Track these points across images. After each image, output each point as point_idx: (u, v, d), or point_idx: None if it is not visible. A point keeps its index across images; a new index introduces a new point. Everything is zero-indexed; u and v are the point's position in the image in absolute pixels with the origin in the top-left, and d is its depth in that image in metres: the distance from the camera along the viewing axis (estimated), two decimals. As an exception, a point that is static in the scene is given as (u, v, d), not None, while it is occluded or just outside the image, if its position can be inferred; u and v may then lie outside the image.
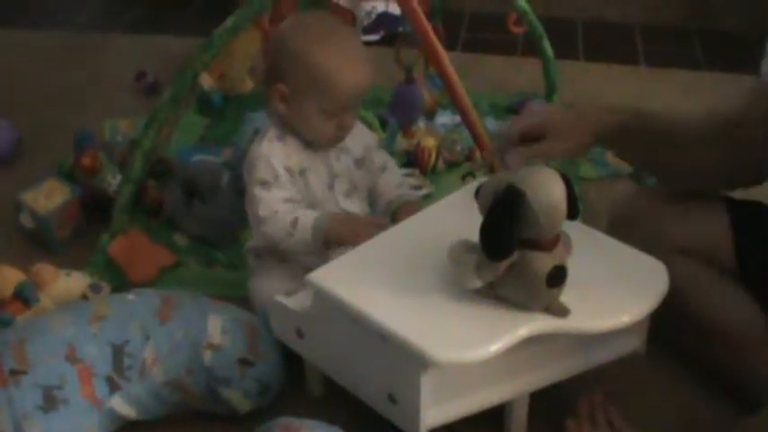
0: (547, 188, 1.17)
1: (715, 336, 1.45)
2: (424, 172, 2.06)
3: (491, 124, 2.21)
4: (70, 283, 1.64)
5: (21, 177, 1.99)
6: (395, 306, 1.24)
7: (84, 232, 1.86)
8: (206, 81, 2.30)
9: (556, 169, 1.21)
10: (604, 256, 1.37)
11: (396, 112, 2.15)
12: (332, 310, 1.29)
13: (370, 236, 1.39)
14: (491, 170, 1.54)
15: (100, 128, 2.06)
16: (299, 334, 1.38)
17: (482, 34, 2.88)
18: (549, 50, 2.27)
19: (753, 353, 1.43)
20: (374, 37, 2.76)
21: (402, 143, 2.13)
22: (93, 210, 1.88)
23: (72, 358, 1.34)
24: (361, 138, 1.59)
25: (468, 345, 1.19)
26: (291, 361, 1.45)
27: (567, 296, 1.23)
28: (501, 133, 1.53)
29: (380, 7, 2.79)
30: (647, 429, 1.36)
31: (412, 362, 1.19)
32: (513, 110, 2.35)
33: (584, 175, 2.09)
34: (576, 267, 1.23)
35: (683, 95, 2.50)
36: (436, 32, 1.91)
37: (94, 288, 1.65)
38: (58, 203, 1.83)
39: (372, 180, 1.61)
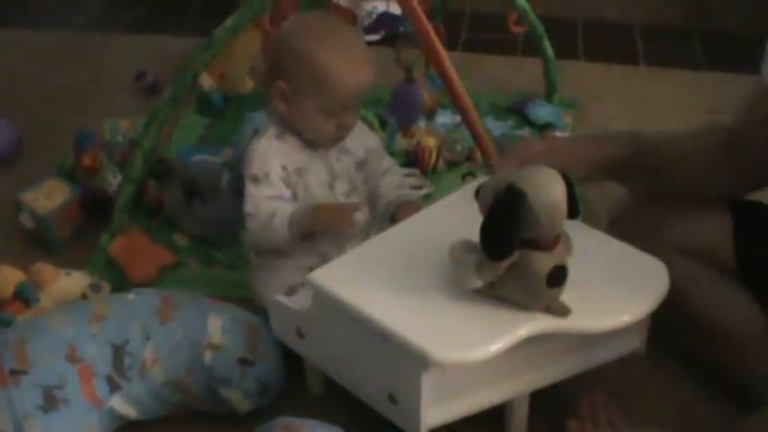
0: (547, 188, 1.17)
1: (715, 336, 1.46)
2: (424, 172, 2.06)
3: (491, 124, 2.21)
4: (70, 282, 1.64)
5: (21, 177, 1.99)
6: (395, 306, 1.24)
7: (84, 232, 1.86)
8: (206, 81, 2.30)
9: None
10: (605, 255, 1.37)
11: (396, 112, 2.15)
12: (332, 309, 1.29)
13: (349, 221, 1.42)
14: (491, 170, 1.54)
15: (100, 128, 2.06)
16: (300, 334, 1.38)
17: (482, 34, 2.87)
18: (550, 50, 2.28)
19: (753, 353, 1.43)
20: (375, 37, 2.75)
21: (402, 143, 2.13)
22: (94, 210, 1.88)
23: (72, 358, 1.34)
24: (362, 139, 1.59)
25: (468, 345, 1.19)
26: (291, 361, 1.45)
27: (567, 296, 1.23)
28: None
29: (381, 7, 2.79)
30: (647, 429, 1.36)
31: (412, 362, 1.19)
32: (513, 110, 2.35)
33: (584, 175, 2.09)
34: (576, 267, 1.23)
35: (683, 95, 2.50)
36: (437, 32, 1.91)
37: (94, 288, 1.65)
38: (58, 203, 1.83)
39: (374, 183, 1.61)
